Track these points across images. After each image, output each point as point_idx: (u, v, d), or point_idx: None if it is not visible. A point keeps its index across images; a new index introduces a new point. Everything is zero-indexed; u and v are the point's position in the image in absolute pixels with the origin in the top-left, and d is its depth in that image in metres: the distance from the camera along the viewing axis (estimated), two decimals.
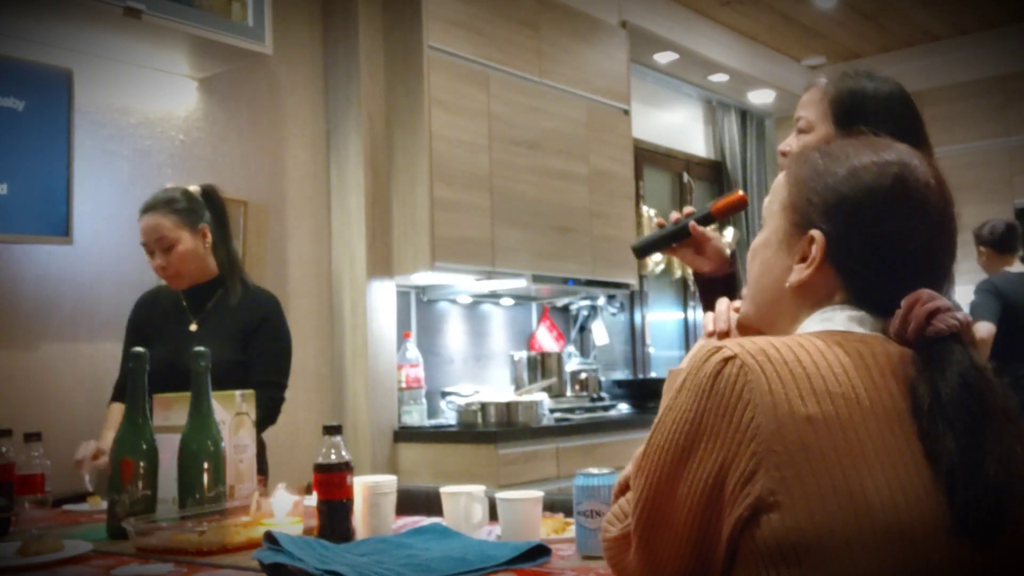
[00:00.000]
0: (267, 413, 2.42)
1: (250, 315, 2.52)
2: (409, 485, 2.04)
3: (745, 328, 1.14)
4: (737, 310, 1.19)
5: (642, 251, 1.84)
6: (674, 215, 1.74)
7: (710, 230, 1.74)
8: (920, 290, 0.97)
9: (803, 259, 1.03)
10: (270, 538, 1.40)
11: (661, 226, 1.76)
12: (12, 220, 2.77)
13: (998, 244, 4.26)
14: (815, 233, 1.01)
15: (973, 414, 0.88)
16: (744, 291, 1.16)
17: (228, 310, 2.53)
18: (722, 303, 1.22)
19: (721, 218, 1.75)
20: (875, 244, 1.00)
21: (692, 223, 1.70)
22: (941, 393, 0.89)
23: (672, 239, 1.74)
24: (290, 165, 3.75)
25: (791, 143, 1.70)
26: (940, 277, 1.01)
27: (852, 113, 1.62)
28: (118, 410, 2.50)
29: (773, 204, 1.09)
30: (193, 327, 2.53)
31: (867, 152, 1.03)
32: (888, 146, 1.05)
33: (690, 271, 1.86)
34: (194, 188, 2.63)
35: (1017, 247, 4.29)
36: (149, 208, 2.52)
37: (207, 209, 2.60)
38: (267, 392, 2.42)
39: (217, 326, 2.51)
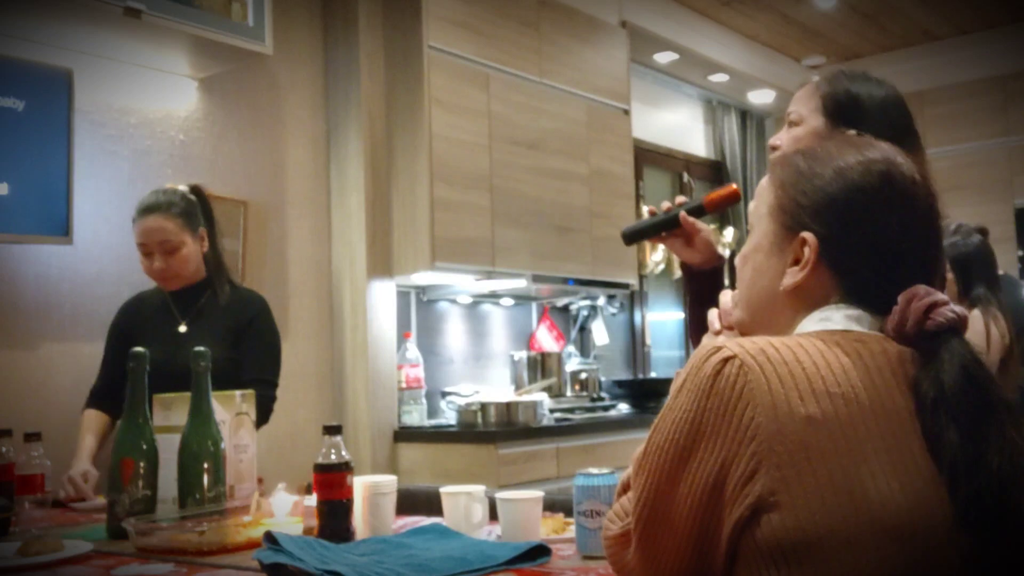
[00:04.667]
0: (260, 412, 2.42)
1: (239, 314, 2.54)
2: (409, 485, 2.05)
3: (740, 334, 1.14)
4: None
5: (631, 237, 1.82)
6: (665, 204, 1.74)
7: (701, 222, 1.74)
8: (916, 286, 0.97)
9: (796, 262, 1.03)
10: (270, 538, 1.40)
11: (653, 214, 1.76)
12: (12, 220, 2.76)
13: None
14: (807, 235, 1.01)
15: (976, 406, 0.89)
16: (734, 296, 1.15)
17: (216, 310, 2.54)
18: (725, 296, 1.22)
19: (713, 211, 1.75)
20: (868, 242, 1.00)
21: (683, 213, 1.71)
22: (944, 385, 0.89)
23: (662, 228, 1.74)
24: (290, 165, 3.74)
25: (782, 137, 1.70)
26: (932, 271, 1.02)
27: (847, 114, 1.63)
28: (93, 417, 2.52)
29: (760, 208, 1.09)
30: (182, 328, 2.53)
31: (851, 151, 1.04)
32: (871, 144, 1.05)
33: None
34: (182, 188, 2.63)
35: None
36: (150, 210, 2.51)
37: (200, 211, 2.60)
38: (259, 391, 2.42)
39: (206, 326, 2.51)
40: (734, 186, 1.75)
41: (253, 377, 2.43)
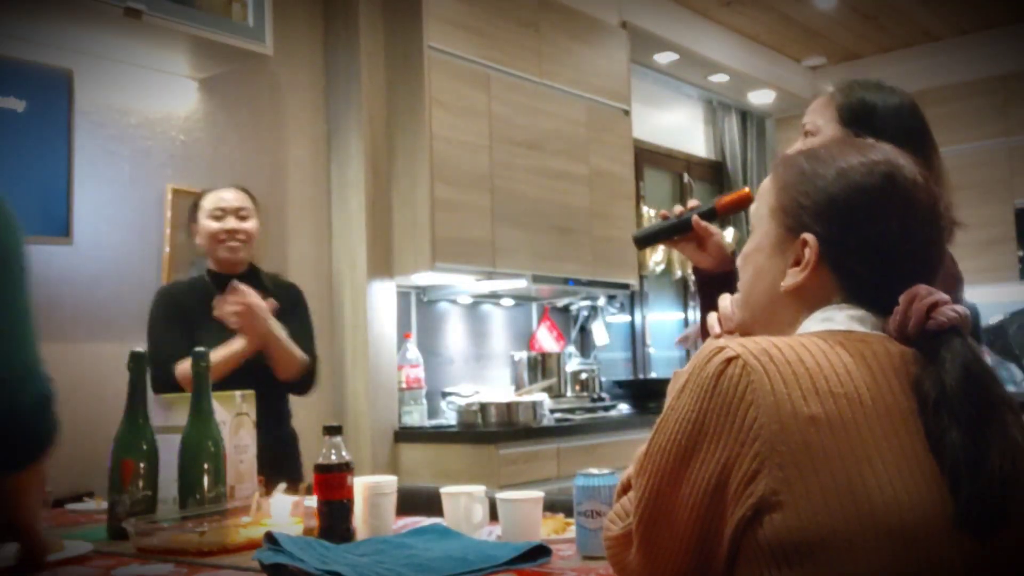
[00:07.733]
0: (310, 382, 2.66)
1: (283, 301, 2.63)
2: (409, 485, 2.04)
3: (741, 335, 1.14)
4: None
5: (643, 241, 1.82)
6: (677, 208, 1.74)
7: (713, 226, 1.73)
8: (917, 286, 0.97)
9: (797, 262, 1.03)
10: (270, 538, 1.39)
11: (664, 218, 1.75)
12: None
13: None
14: (808, 236, 1.01)
15: (978, 405, 0.89)
16: (735, 300, 1.15)
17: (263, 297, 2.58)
18: (724, 300, 1.22)
19: (725, 215, 1.75)
20: (869, 243, 1.00)
21: (696, 217, 1.70)
22: (946, 385, 0.90)
23: (674, 232, 1.73)
24: (290, 166, 3.74)
25: (798, 147, 1.70)
26: (933, 272, 1.02)
27: (863, 122, 1.64)
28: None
29: (761, 209, 1.09)
30: None
31: (853, 153, 1.04)
32: (873, 146, 1.06)
33: (691, 269, 1.86)
34: None
35: None
36: (227, 188, 2.71)
37: None
38: (310, 365, 2.65)
39: None
40: (747, 189, 1.73)
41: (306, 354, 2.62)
